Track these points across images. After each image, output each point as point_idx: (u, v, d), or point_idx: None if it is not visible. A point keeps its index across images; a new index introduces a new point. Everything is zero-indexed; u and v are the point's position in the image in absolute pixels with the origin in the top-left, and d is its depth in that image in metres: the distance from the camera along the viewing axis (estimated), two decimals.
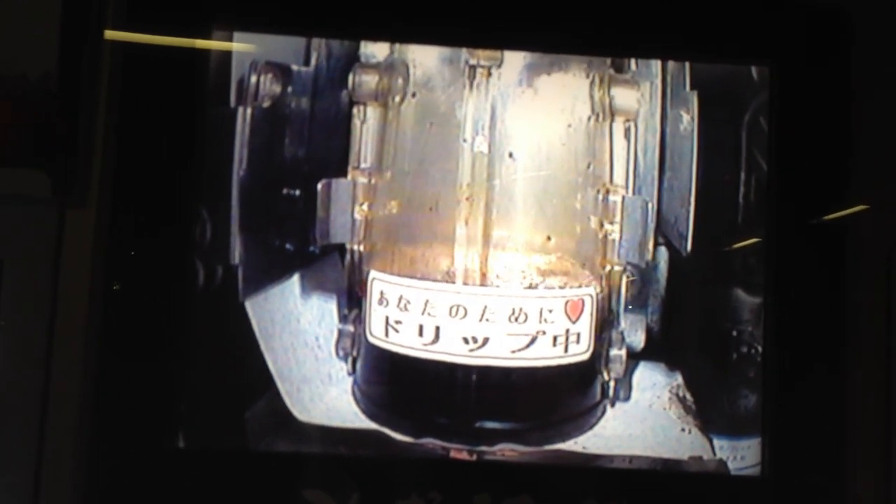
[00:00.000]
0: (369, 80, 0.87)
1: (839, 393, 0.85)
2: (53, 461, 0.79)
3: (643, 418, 0.86)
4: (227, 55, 0.87)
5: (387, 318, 0.84)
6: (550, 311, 0.85)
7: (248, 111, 0.87)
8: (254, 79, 0.87)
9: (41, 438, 0.79)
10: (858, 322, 0.86)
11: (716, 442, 0.86)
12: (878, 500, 0.86)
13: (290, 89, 0.87)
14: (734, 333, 0.87)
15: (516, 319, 0.84)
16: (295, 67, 0.87)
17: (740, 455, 0.86)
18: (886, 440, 0.85)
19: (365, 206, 0.86)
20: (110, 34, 0.84)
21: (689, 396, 0.87)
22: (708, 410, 0.86)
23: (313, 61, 0.87)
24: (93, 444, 0.80)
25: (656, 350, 0.87)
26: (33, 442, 0.79)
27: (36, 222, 0.80)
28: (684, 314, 0.87)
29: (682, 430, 0.86)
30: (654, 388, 0.86)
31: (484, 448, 0.84)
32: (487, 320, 0.84)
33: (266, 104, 0.87)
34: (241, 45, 0.87)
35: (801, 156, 0.88)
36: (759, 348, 0.87)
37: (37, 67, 0.81)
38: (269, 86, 0.87)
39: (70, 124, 0.81)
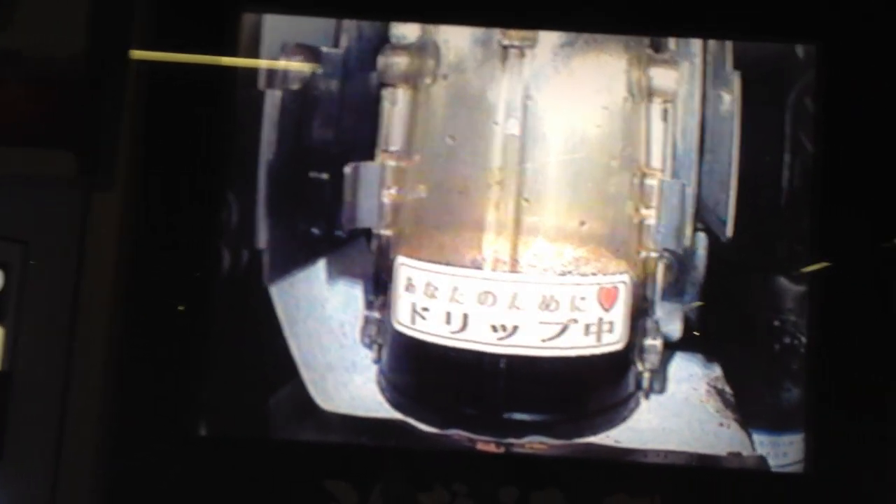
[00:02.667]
0: (399, 62, 0.85)
1: (887, 387, 0.81)
2: (74, 448, 0.79)
3: (679, 412, 0.83)
4: (256, 37, 0.86)
5: (413, 305, 0.82)
6: (583, 299, 0.82)
7: (277, 94, 0.85)
8: (283, 61, 0.85)
9: (62, 423, 0.79)
10: None
11: (756, 437, 0.82)
12: None
13: (319, 71, 0.85)
14: (776, 323, 0.83)
15: (547, 307, 0.82)
16: (325, 49, 0.86)
17: (782, 451, 0.82)
18: None
19: (393, 190, 0.84)
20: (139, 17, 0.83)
21: (728, 389, 0.83)
22: (748, 404, 0.83)
23: (343, 43, 0.86)
24: (114, 430, 0.80)
25: (694, 340, 0.83)
26: (54, 427, 0.78)
27: (61, 203, 0.80)
28: (724, 303, 0.84)
29: (721, 424, 0.83)
30: (690, 380, 0.83)
31: (512, 440, 0.82)
32: (517, 308, 0.82)
33: (295, 87, 0.85)
34: (271, 27, 0.86)
35: (849, 139, 0.84)
36: (804, 339, 0.83)
37: (64, 49, 0.80)
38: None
39: (97, 105, 0.81)
